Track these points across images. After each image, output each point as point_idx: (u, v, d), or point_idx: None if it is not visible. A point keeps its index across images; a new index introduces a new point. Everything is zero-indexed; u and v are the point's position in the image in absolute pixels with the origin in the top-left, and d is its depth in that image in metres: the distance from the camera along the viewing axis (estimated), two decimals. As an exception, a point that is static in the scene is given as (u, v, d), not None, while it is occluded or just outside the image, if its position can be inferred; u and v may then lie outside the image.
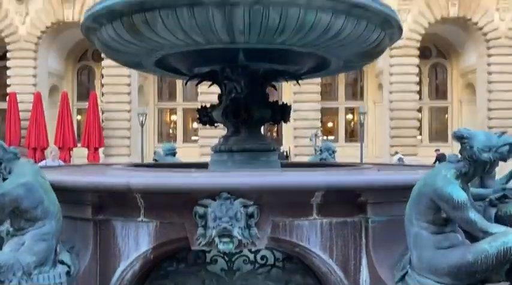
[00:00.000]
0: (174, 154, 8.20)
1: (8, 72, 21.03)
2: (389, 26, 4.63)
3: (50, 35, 21.34)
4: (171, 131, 25.37)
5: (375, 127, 23.05)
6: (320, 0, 3.95)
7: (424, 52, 22.59)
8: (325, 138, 22.84)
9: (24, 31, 20.74)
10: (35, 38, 20.75)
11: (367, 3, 4.17)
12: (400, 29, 4.84)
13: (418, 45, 20.60)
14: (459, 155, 2.87)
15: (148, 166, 6.69)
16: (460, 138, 2.79)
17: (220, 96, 5.65)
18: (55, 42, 22.08)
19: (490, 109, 20.39)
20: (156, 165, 7.05)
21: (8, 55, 20.99)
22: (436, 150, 18.79)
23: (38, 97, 19.57)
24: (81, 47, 23.03)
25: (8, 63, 21.02)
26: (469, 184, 2.97)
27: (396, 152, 19.18)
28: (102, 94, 21.61)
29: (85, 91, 23.89)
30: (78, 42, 21.84)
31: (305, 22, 4.07)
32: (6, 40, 20.81)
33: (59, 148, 18.91)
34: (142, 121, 19.55)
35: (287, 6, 3.96)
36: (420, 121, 22.45)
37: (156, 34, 4.13)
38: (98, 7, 4.20)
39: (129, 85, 21.10)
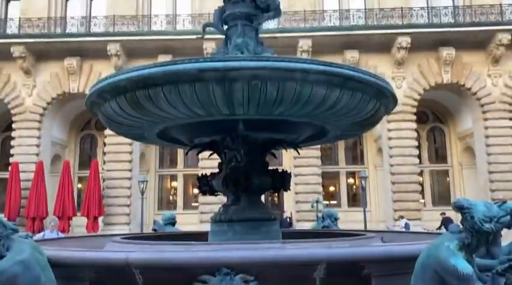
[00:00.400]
0: (173, 223, 8.11)
1: (12, 142, 21.34)
2: (384, 97, 4.79)
3: (55, 106, 21.93)
4: (171, 198, 25.22)
5: (377, 191, 22.94)
6: (315, 74, 4.13)
7: (421, 117, 23.04)
8: (326, 203, 22.63)
9: (31, 102, 21.35)
10: (40, 109, 21.30)
11: (361, 76, 4.36)
12: (395, 99, 5.00)
13: (415, 110, 21.07)
14: (461, 226, 2.85)
15: (147, 237, 6.58)
16: (460, 208, 2.79)
17: (220, 165, 5.70)
18: (59, 113, 22.63)
19: (490, 172, 20.41)
20: (156, 236, 6.94)
21: (14, 126, 21.42)
22: (442, 214, 18.54)
23: (40, 167, 19.71)
24: (85, 117, 23.56)
25: (13, 134, 21.39)
26: (473, 255, 2.91)
27: (401, 217, 18.90)
28: (104, 162, 21.77)
29: (87, 159, 24.09)
30: (82, 112, 22.37)
31: (302, 95, 4.22)
32: (13, 111, 21.34)
33: (58, 217, 18.72)
34: (142, 189, 19.51)
35: (284, 81, 4.13)
36: (422, 184, 22.38)
37: (158, 108, 4.27)
38: (103, 83, 4.37)
39: (130, 153, 21.32)
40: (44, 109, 21.44)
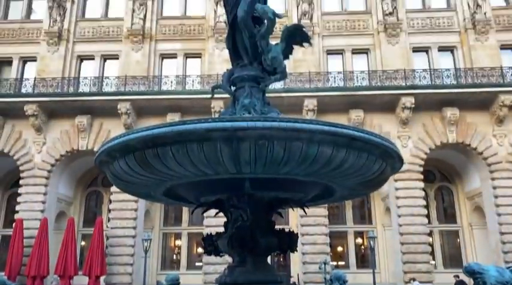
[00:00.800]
0: (177, 285, 7.87)
1: (18, 199, 21.34)
2: (390, 157, 4.83)
3: (63, 163, 22.15)
4: (175, 257, 24.66)
5: (386, 252, 22.32)
6: (321, 135, 4.21)
7: (428, 176, 22.91)
8: (334, 264, 21.98)
9: (39, 159, 21.60)
10: (48, 166, 21.51)
11: (366, 137, 4.42)
12: (401, 160, 5.03)
13: (422, 169, 20.99)
14: (474, 291, 2.77)
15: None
16: (471, 273, 2.73)
17: (226, 224, 5.65)
18: (67, 170, 22.81)
19: (502, 233, 19.90)
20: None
21: (21, 182, 21.52)
22: (455, 276, 17.90)
23: (44, 223, 19.54)
24: (92, 173, 23.70)
25: (19, 190, 21.44)
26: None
27: (413, 280, 18.23)
28: (109, 220, 21.58)
29: (92, 216, 23.91)
30: (90, 169, 22.56)
31: (308, 154, 4.28)
32: (21, 168, 21.54)
33: (60, 276, 18.28)
34: (146, 247, 19.17)
35: (290, 141, 4.20)
36: (432, 245, 21.81)
37: (166, 167, 4.33)
38: (113, 143, 4.46)
39: (136, 210, 21.18)
40: (52, 165, 21.64)
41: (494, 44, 22.30)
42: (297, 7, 23.21)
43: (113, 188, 20.01)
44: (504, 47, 22.62)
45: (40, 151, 21.71)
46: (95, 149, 20.59)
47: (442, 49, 23.05)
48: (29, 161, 21.59)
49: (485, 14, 22.42)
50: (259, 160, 4.30)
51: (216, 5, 22.66)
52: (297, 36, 6.26)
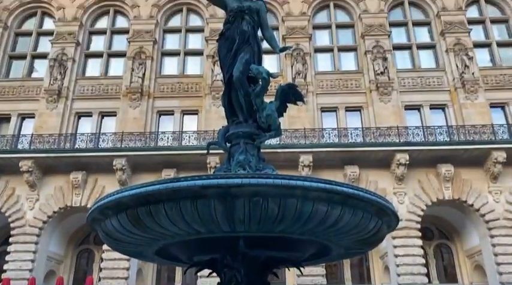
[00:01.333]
0: None
1: (7, 257, 20.69)
2: (386, 215, 4.80)
3: (55, 220, 21.72)
4: (167, 320, 23.58)
5: (387, 314, 21.50)
6: (316, 192, 4.20)
7: (426, 233, 22.56)
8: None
9: (31, 216, 21.20)
10: (40, 223, 21.06)
11: (361, 194, 4.42)
12: (397, 217, 4.99)
13: (419, 226, 20.73)
14: None
15: None
16: None
17: (219, 285, 5.47)
18: (59, 227, 22.33)
19: (505, 292, 19.35)
20: None
21: (11, 239, 20.97)
22: None
23: (31, 283, 18.79)
24: (84, 231, 23.18)
25: (9, 248, 20.83)
26: None
27: None
28: (100, 279, 20.83)
29: (83, 275, 23.04)
30: (82, 226, 22.09)
31: (303, 212, 4.24)
32: (12, 225, 21.06)
33: None
34: (137, 309, 18.39)
35: (285, 198, 4.18)
36: (434, 306, 21.09)
37: (159, 225, 4.27)
38: (106, 200, 4.43)
39: (127, 269, 20.53)
40: (44, 222, 21.23)
41: (484, 102, 22.88)
42: (291, 67, 23.98)
43: (105, 247, 19.49)
44: (493, 105, 23.19)
45: (32, 208, 21.37)
46: (89, 205, 20.30)
47: (433, 107, 23.59)
48: (20, 218, 21.19)
49: (473, 74, 23.19)
50: (253, 217, 4.26)
51: (213, 65, 23.36)
52: (290, 95, 6.45)
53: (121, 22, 27.17)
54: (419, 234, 20.66)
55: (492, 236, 20.15)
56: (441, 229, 23.86)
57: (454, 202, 21.08)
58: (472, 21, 25.53)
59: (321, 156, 20.61)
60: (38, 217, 21.17)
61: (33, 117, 23.91)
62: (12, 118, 24.23)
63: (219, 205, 4.15)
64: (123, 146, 21.50)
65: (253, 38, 6.71)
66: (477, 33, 25.46)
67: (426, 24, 26.21)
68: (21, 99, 24.52)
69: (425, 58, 25.09)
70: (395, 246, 20.23)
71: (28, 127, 23.77)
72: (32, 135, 22.29)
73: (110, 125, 23.62)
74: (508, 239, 19.86)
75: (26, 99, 24.45)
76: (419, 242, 20.55)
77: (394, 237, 19.84)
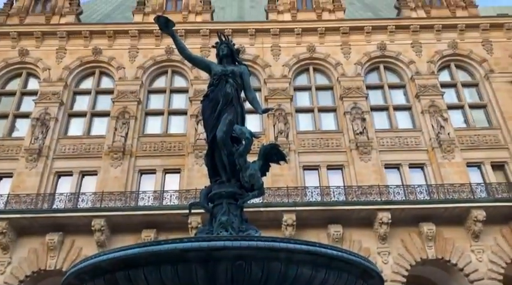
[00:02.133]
0: None
1: (-29, 327, 19.35)
2: (370, 277, 4.74)
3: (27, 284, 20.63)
4: None
5: None
6: (300, 255, 4.15)
7: (412, 295, 22.13)
8: None
9: (1, 281, 20.05)
10: (10, 289, 19.97)
11: (346, 257, 4.38)
12: (381, 279, 4.93)
13: (405, 287, 20.38)
14: None
15: None
16: None
17: None
18: (30, 292, 21.15)
19: None
20: None
21: (-23, 307, 19.76)
22: None
23: None
24: (57, 296, 21.99)
25: (-26, 316, 19.56)
26: None
27: None
28: None
29: None
30: (55, 291, 20.99)
31: (287, 276, 4.16)
32: (-21, 290, 19.96)
33: None
34: None
35: (269, 261, 4.11)
36: None
37: (137, 291, 4.10)
38: (83, 264, 4.28)
39: None
40: (14, 288, 20.08)
41: (461, 161, 23.44)
42: (274, 126, 24.40)
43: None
44: (470, 164, 23.75)
45: (3, 272, 20.26)
46: (64, 268, 19.44)
47: (412, 166, 24.02)
48: (-11, 282, 20.05)
49: (448, 134, 23.94)
50: (236, 282, 4.16)
51: (197, 124, 23.62)
52: (273, 155, 6.54)
53: (106, 83, 27.59)
54: (405, 295, 20.21)
55: (478, 296, 19.82)
56: (426, 290, 23.40)
57: (438, 261, 20.88)
58: (444, 85, 26.79)
59: (304, 215, 20.47)
60: (9, 282, 20.03)
61: (11, 177, 23.35)
62: (-12, 179, 23.64)
63: (200, 270, 4.05)
64: (102, 206, 21.01)
65: (236, 99, 6.90)
66: (450, 96, 26.62)
67: (401, 87, 27.33)
68: (0, 158, 24.07)
69: (402, 119, 25.91)
70: (382, 309, 19.66)
71: (5, 187, 23.10)
72: (9, 194, 21.66)
73: (90, 184, 23.19)
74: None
75: (5, 158, 23.99)
76: (406, 304, 20.06)
77: (380, 299, 19.33)
